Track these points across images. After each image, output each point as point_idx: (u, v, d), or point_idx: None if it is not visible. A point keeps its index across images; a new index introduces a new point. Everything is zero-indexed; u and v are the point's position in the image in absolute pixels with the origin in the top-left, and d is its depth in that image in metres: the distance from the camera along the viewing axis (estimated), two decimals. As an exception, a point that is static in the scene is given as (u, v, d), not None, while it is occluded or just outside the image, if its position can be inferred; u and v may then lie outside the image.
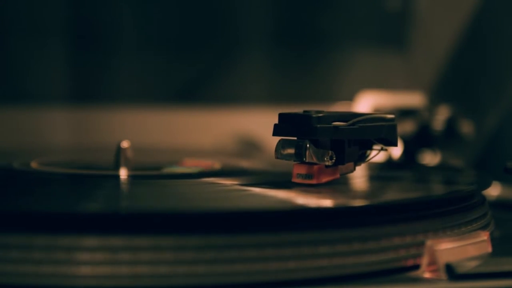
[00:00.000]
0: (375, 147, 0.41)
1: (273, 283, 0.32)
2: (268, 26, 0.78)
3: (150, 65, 0.77)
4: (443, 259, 0.33)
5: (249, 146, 0.73)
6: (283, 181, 0.41)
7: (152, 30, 0.77)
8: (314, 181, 0.39)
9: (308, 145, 0.38)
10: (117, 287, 0.30)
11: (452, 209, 0.37)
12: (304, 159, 0.39)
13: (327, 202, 0.36)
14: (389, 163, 0.57)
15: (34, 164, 0.49)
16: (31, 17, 0.74)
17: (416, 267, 0.34)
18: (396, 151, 0.59)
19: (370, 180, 0.46)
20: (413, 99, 0.63)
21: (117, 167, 0.47)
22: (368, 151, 0.42)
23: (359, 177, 0.45)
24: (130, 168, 0.46)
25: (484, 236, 0.36)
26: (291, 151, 0.39)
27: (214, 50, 0.78)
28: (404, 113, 0.61)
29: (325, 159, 0.39)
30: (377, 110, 0.62)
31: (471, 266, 0.33)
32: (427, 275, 0.33)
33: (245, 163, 0.53)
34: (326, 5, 0.78)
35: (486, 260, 0.34)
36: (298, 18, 0.79)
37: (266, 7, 0.78)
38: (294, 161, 0.39)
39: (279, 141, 0.40)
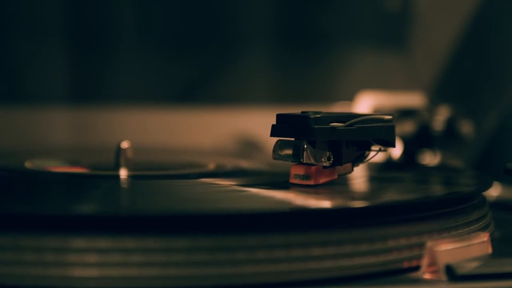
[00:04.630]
0: (373, 148, 0.41)
1: (273, 284, 0.32)
2: (268, 26, 0.78)
3: (150, 65, 0.77)
4: (443, 260, 0.33)
5: (249, 146, 0.73)
6: (281, 182, 0.41)
7: (152, 30, 0.77)
8: (311, 182, 0.39)
9: (305, 146, 0.38)
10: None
11: (452, 210, 0.37)
12: (302, 160, 0.38)
13: (325, 204, 0.36)
14: (389, 163, 0.57)
15: (33, 164, 0.49)
16: (31, 17, 0.74)
17: (416, 268, 0.34)
18: (396, 152, 0.59)
19: (369, 181, 0.46)
20: (413, 99, 0.63)
21: (117, 167, 0.46)
22: (367, 152, 0.41)
23: (358, 177, 0.45)
24: (130, 168, 0.46)
25: (484, 237, 0.36)
26: (288, 151, 0.39)
27: (214, 50, 0.78)
28: (404, 113, 0.61)
29: (323, 160, 0.39)
30: (377, 110, 0.62)
31: (471, 267, 0.33)
32: (427, 276, 0.33)
33: (245, 163, 0.53)
34: (326, 5, 0.78)
35: (486, 261, 0.34)
36: (298, 18, 0.79)
37: (266, 7, 0.78)
38: (292, 161, 0.39)
39: (277, 141, 0.40)
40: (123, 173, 0.46)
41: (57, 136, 0.74)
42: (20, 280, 0.30)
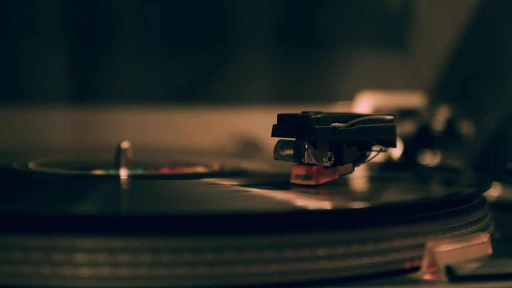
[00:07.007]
0: (374, 148, 0.41)
1: (272, 285, 0.32)
2: (268, 26, 0.78)
3: (150, 65, 0.77)
4: (443, 261, 0.33)
5: (249, 146, 0.73)
6: (282, 182, 0.41)
7: (152, 30, 0.77)
8: (312, 182, 0.39)
9: (306, 146, 0.38)
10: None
11: (452, 210, 0.37)
12: (303, 160, 0.39)
13: (326, 204, 0.36)
14: (389, 163, 0.57)
15: (33, 165, 0.49)
16: (31, 17, 0.73)
17: (416, 269, 0.34)
18: (396, 152, 0.59)
19: (369, 181, 0.46)
20: (413, 99, 0.63)
21: (117, 168, 0.46)
22: (367, 152, 0.41)
23: (359, 178, 0.45)
24: (130, 169, 0.46)
25: (484, 237, 0.36)
26: (289, 152, 0.39)
27: (214, 50, 0.78)
28: (404, 113, 0.61)
29: (324, 160, 0.39)
30: (377, 111, 0.62)
31: (471, 268, 0.33)
32: (427, 277, 0.33)
33: (245, 164, 0.53)
34: (326, 5, 0.78)
35: (487, 262, 0.34)
36: (298, 18, 0.79)
37: (267, 7, 0.78)
38: (293, 162, 0.39)
39: (278, 141, 0.40)
40: (123, 173, 0.46)
41: (57, 136, 0.74)
42: (10, 279, 0.30)
